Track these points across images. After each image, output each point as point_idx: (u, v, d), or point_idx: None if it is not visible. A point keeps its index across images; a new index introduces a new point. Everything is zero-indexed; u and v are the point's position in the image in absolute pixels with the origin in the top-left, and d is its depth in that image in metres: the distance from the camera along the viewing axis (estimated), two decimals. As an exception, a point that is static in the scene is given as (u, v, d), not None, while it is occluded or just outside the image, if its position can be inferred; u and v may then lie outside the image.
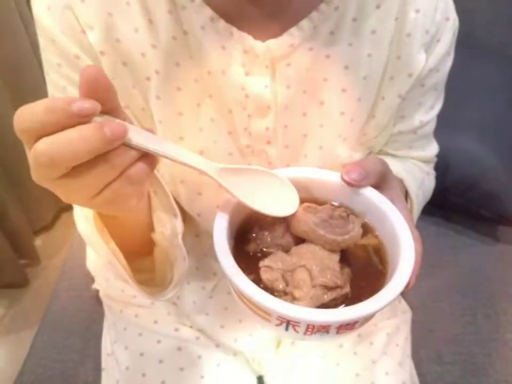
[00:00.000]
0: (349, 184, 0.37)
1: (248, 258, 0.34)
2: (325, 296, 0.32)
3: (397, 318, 0.62)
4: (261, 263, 0.33)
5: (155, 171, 0.37)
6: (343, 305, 0.32)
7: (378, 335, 0.59)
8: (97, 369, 0.61)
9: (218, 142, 0.44)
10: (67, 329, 0.72)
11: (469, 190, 0.86)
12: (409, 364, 0.60)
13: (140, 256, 0.45)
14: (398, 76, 0.45)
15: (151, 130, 0.29)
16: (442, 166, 0.63)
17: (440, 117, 0.54)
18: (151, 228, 0.42)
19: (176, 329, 0.59)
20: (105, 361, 0.60)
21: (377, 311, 0.30)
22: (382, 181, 0.38)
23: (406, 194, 0.50)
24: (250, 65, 0.41)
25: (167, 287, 0.43)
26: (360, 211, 0.37)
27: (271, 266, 0.33)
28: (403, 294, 0.57)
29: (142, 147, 0.28)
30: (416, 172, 0.54)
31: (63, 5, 0.38)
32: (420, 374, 0.60)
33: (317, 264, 0.33)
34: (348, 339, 0.58)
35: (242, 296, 0.31)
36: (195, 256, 0.56)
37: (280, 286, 0.32)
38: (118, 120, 0.27)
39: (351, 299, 0.32)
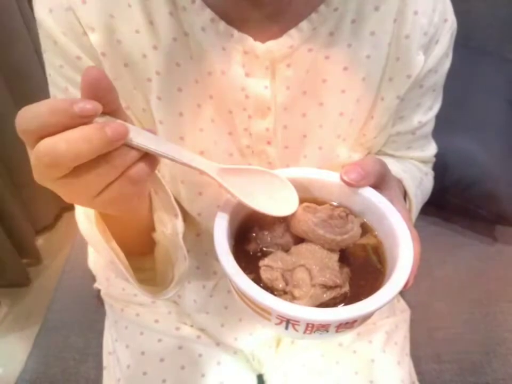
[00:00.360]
0: (348, 184, 0.37)
1: (248, 258, 0.34)
2: (324, 295, 0.32)
3: (395, 316, 0.62)
4: (261, 263, 0.33)
5: (156, 171, 0.37)
6: (342, 304, 0.32)
7: (377, 334, 0.59)
8: (99, 368, 0.62)
9: (218, 142, 0.45)
10: (68, 328, 0.72)
11: (468, 190, 0.86)
12: (408, 362, 0.60)
13: (141, 255, 0.45)
14: (396, 77, 0.45)
15: (152, 131, 0.29)
16: (441, 166, 0.63)
17: (439, 117, 0.54)
18: (152, 228, 0.43)
19: (177, 328, 0.59)
20: (107, 359, 0.61)
21: (376, 310, 0.30)
22: (381, 181, 0.38)
23: (405, 194, 0.50)
24: (250, 66, 0.41)
25: (167, 286, 0.44)
26: (359, 211, 0.38)
27: (271, 266, 0.33)
28: (402, 293, 0.57)
29: (142, 147, 0.28)
30: (415, 172, 0.54)
31: (65, 7, 0.38)
32: (419, 373, 0.60)
33: (317, 263, 0.33)
34: (347, 337, 0.58)
35: (242, 295, 0.31)
36: (196, 255, 0.56)
37: (280, 285, 0.32)
38: (119, 121, 0.27)
39: (350, 298, 0.33)
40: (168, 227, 0.42)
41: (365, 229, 0.37)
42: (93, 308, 0.73)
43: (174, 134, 0.44)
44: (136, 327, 0.60)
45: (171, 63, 0.40)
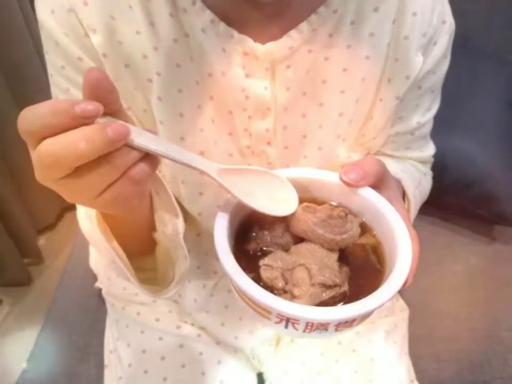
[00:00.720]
0: (347, 184, 0.37)
1: (248, 257, 0.35)
2: (324, 294, 0.32)
3: (394, 315, 0.63)
4: (261, 262, 0.34)
5: (156, 171, 0.38)
6: (342, 303, 0.33)
7: (376, 333, 0.59)
8: (100, 366, 0.62)
9: (218, 142, 0.45)
10: (70, 327, 0.72)
11: (466, 190, 0.86)
12: (406, 361, 0.60)
13: (142, 255, 0.45)
14: (395, 78, 0.45)
15: (153, 131, 0.29)
16: (439, 167, 0.63)
17: (437, 118, 0.54)
18: (152, 227, 0.43)
19: (178, 327, 0.60)
20: (108, 358, 0.61)
21: (375, 309, 0.30)
22: (380, 181, 0.39)
23: (404, 194, 0.50)
24: (250, 67, 0.41)
25: (168, 286, 0.44)
26: (358, 211, 0.38)
27: (270, 265, 0.33)
28: (400, 292, 0.58)
29: (143, 148, 0.28)
30: (414, 172, 0.54)
31: (67, 8, 0.38)
32: (417, 371, 0.60)
33: (316, 263, 0.33)
34: (346, 336, 0.59)
35: (242, 294, 0.32)
36: (196, 255, 0.56)
37: (280, 284, 0.33)
38: (120, 121, 0.27)
39: (350, 297, 0.33)
40: (169, 227, 0.42)
41: (364, 229, 0.37)
42: (94, 307, 0.73)
43: (174, 134, 0.44)
44: (137, 325, 0.60)
45: (171, 64, 0.41)
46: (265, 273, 0.33)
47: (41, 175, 0.27)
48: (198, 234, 0.55)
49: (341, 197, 0.38)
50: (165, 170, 0.47)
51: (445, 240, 0.88)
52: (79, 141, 0.25)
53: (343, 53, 0.43)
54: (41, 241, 1.32)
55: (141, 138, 0.28)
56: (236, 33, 0.40)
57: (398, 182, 0.49)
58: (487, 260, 0.86)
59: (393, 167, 0.50)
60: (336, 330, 0.31)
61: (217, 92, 0.43)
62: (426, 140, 0.57)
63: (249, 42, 0.40)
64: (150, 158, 0.29)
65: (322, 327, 0.30)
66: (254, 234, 0.36)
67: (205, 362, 0.57)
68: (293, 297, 0.32)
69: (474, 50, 0.99)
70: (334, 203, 0.39)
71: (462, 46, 0.58)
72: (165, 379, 0.55)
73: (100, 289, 0.69)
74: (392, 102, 0.46)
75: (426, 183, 0.58)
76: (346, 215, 0.36)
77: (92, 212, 0.38)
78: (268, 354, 0.59)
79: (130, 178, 0.28)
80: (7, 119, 1.04)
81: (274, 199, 0.36)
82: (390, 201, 0.37)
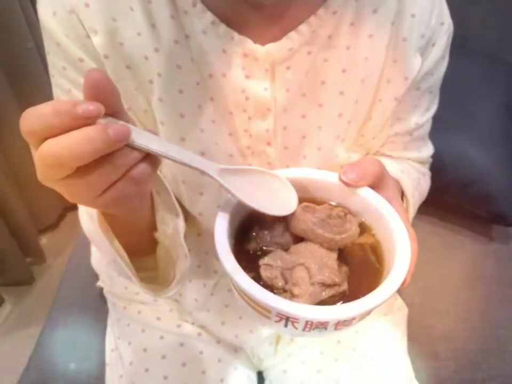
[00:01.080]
0: (346, 184, 0.37)
1: (248, 257, 0.35)
2: (323, 293, 0.32)
3: (393, 314, 0.63)
4: (261, 261, 0.34)
5: (157, 171, 0.38)
6: (341, 302, 0.33)
7: (375, 331, 0.60)
8: (102, 364, 0.62)
9: (219, 143, 0.45)
10: (72, 325, 0.72)
11: (464, 190, 0.87)
12: (405, 359, 0.60)
13: (143, 254, 0.46)
14: (394, 79, 0.45)
15: (153, 132, 0.29)
16: (437, 167, 0.64)
17: (436, 118, 0.54)
18: (153, 227, 0.43)
19: (178, 326, 0.60)
20: (109, 356, 0.61)
21: (374, 308, 0.30)
22: (379, 181, 0.39)
23: (402, 194, 0.51)
24: (250, 68, 0.42)
25: (169, 285, 0.44)
26: (357, 211, 0.38)
27: (270, 264, 0.34)
28: (399, 291, 0.58)
29: (144, 148, 0.28)
30: (412, 173, 0.54)
31: (68, 9, 0.39)
32: (416, 370, 0.60)
33: (316, 262, 0.34)
34: (345, 335, 0.59)
35: (242, 293, 0.32)
36: (197, 254, 0.56)
37: (280, 283, 0.33)
38: (121, 122, 0.27)
39: (349, 296, 0.33)
40: (170, 226, 0.42)
41: (363, 229, 0.37)
42: (95, 306, 0.73)
43: (175, 134, 0.44)
44: (138, 324, 0.60)
45: (172, 65, 0.41)
46: (265, 273, 0.33)
47: (43, 175, 0.27)
48: (198, 234, 0.55)
49: (340, 197, 0.39)
50: (165, 171, 0.47)
51: (443, 239, 0.88)
52: (81, 142, 0.25)
53: (342, 54, 0.43)
54: (43, 240, 1.33)
55: (142, 139, 0.28)
56: (236, 35, 0.40)
57: (397, 182, 0.50)
58: (485, 259, 0.86)
59: (392, 167, 0.51)
60: (335, 329, 0.31)
61: (217, 93, 0.43)
62: (425, 140, 0.57)
63: (249, 44, 0.41)
64: (150, 158, 0.29)
65: (321, 326, 0.30)
66: (254, 234, 0.36)
67: (206, 361, 0.57)
68: (292, 296, 0.32)
69: (473, 51, 0.99)
70: (333, 203, 0.39)
71: (460, 46, 0.59)
72: (165, 377, 0.55)
73: (101, 289, 0.69)
74: (391, 103, 0.47)
75: (424, 183, 0.58)
76: (345, 215, 0.36)
77: (94, 212, 0.38)
78: (267, 353, 0.60)
79: (132, 179, 0.28)
80: (8, 119, 1.04)
81: (274, 199, 0.36)
82: (389, 201, 0.37)
